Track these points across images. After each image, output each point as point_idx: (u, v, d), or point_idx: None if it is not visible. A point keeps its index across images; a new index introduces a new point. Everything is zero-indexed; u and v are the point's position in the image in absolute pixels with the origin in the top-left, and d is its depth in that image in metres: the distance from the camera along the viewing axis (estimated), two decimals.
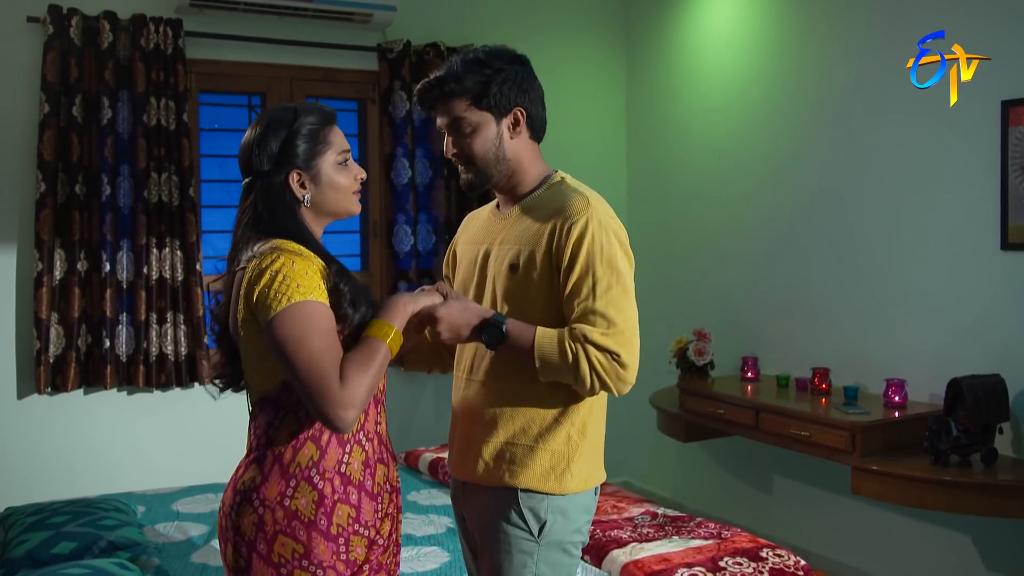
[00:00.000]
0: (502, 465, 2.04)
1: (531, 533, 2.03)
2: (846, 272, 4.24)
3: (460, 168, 2.11)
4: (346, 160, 1.92)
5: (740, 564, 3.12)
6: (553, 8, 5.43)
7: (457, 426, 2.17)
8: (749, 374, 4.56)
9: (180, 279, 4.35)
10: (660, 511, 3.75)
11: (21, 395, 4.21)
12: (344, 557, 1.77)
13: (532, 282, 2.02)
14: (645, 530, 3.48)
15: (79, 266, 4.18)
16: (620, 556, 3.22)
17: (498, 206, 2.21)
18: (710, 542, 3.34)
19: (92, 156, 4.21)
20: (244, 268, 1.79)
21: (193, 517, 3.69)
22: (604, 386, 1.97)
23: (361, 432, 1.83)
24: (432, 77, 2.06)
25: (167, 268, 4.33)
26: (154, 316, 4.31)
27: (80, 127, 4.18)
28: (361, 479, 1.81)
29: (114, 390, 4.34)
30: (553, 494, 2.03)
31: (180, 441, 4.50)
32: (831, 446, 3.65)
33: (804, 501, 4.47)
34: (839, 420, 3.64)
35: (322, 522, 1.75)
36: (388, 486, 1.89)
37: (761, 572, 3.09)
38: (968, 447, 3.36)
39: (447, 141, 2.10)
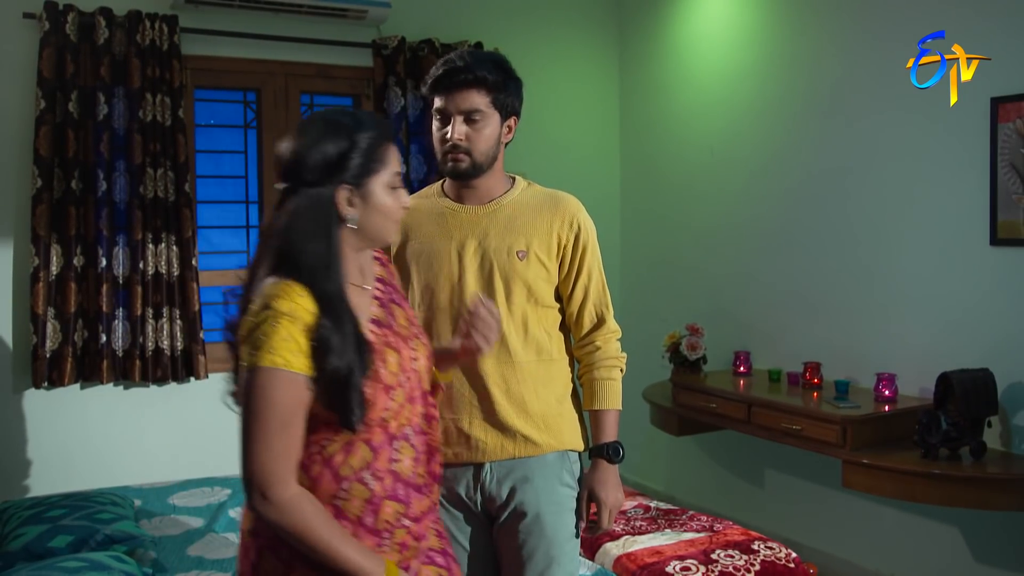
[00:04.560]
0: (544, 434, 2.21)
1: (575, 490, 2.26)
2: (837, 267, 4.27)
3: (455, 155, 2.17)
4: (398, 184, 1.79)
5: (732, 556, 3.16)
6: (547, 5, 5.45)
7: (481, 412, 2.20)
8: (741, 368, 4.59)
9: (176, 274, 4.37)
10: (653, 504, 3.78)
11: (17, 389, 4.23)
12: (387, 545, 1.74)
13: (543, 265, 2.22)
14: (638, 523, 3.52)
15: (75, 261, 4.20)
16: (613, 549, 3.26)
17: (453, 199, 2.29)
18: (702, 535, 3.37)
19: (88, 152, 4.22)
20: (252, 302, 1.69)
21: (189, 511, 3.71)
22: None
23: (408, 427, 1.79)
24: (460, 63, 2.13)
25: (163, 263, 4.34)
26: (150, 311, 4.32)
27: (76, 123, 4.19)
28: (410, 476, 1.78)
29: (110, 384, 4.36)
30: (581, 450, 2.29)
31: (176, 435, 4.52)
32: (822, 440, 3.69)
33: (795, 494, 4.51)
34: (830, 414, 3.67)
35: (368, 519, 1.72)
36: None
37: (752, 564, 3.12)
38: (957, 440, 3.40)
39: (457, 127, 2.15)
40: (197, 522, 3.58)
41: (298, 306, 1.64)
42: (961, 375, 3.43)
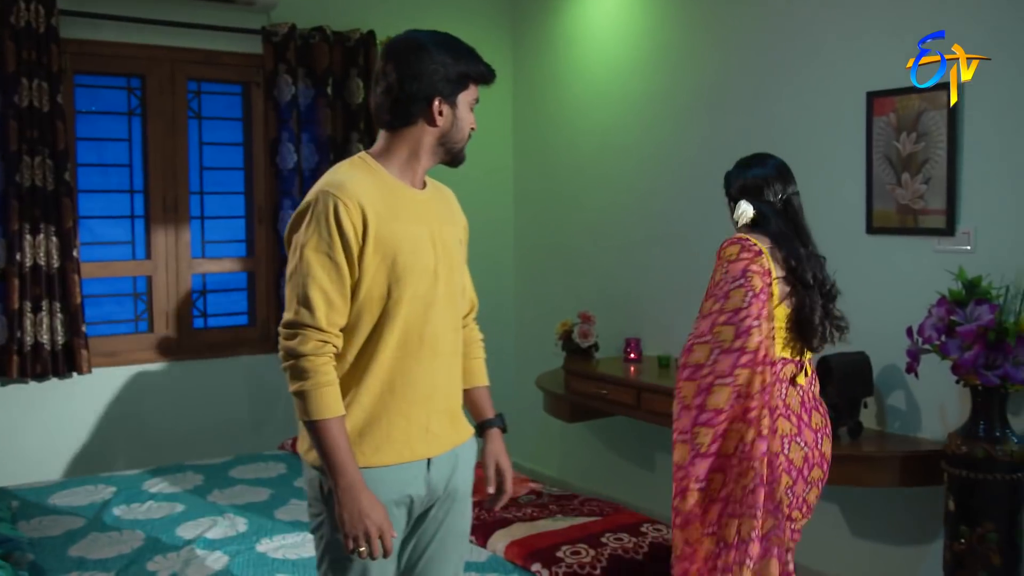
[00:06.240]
0: (465, 420, 2.27)
1: None
2: None
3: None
4: None
5: (621, 539, 3.22)
6: None
7: (438, 401, 2.14)
8: (632, 355, 4.68)
9: (56, 266, 4.22)
10: (545, 490, 3.82)
11: None
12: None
13: (463, 254, 2.28)
14: (529, 509, 3.55)
15: None
16: (505, 535, 3.28)
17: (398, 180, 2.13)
18: (593, 519, 3.43)
19: None
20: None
21: (71, 510, 3.60)
22: None
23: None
24: None
25: (42, 255, 4.19)
26: (28, 304, 4.17)
27: None
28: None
29: None
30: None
31: (57, 432, 4.37)
32: None
33: None
34: None
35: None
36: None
37: (641, 546, 3.19)
38: (836, 421, 3.52)
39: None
40: (79, 522, 3.47)
41: None
42: (840, 358, 3.56)
